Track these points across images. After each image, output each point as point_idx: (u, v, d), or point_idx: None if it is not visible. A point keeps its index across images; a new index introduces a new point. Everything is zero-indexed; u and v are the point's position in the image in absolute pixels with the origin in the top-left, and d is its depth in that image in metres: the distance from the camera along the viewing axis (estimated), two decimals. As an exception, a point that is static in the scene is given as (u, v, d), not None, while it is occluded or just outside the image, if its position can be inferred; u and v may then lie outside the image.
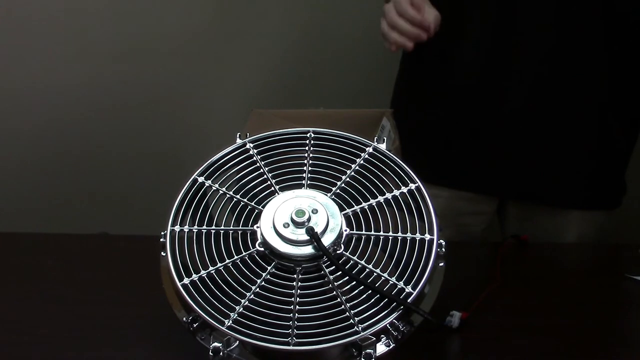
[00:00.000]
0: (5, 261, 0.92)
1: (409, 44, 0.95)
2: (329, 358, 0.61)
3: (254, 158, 0.68)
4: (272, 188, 0.67)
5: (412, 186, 0.66)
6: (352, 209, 0.65)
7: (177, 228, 0.65)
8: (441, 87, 1.08)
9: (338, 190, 0.66)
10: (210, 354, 0.61)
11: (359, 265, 0.62)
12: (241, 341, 0.60)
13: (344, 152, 0.68)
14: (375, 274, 0.62)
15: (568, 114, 1.05)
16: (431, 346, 0.70)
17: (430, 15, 0.94)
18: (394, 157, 0.68)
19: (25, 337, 0.73)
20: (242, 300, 0.60)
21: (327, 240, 0.62)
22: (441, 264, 0.64)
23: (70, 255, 0.95)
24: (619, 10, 1.00)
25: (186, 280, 0.62)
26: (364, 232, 0.64)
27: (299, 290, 0.61)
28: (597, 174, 1.10)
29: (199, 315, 0.60)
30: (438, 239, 0.63)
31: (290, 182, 0.67)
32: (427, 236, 0.63)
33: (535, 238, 1.05)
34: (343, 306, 0.60)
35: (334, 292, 0.61)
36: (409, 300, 0.60)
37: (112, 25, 1.52)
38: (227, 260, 0.63)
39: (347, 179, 0.67)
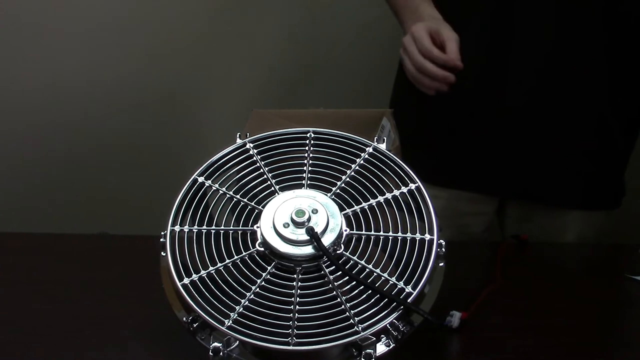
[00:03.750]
0: (4, 261, 0.92)
1: (444, 88, 0.93)
2: (329, 358, 0.61)
3: (254, 158, 0.68)
4: (272, 188, 0.67)
5: (412, 186, 0.66)
6: (352, 209, 0.65)
7: (177, 228, 0.65)
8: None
9: (338, 190, 0.66)
10: (210, 354, 0.60)
11: (359, 265, 0.62)
12: (241, 341, 0.60)
13: (344, 152, 0.68)
14: (375, 274, 0.62)
15: (568, 115, 1.05)
16: (431, 346, 0.70)
17: (452, 44, 0.91)
18: (394, 157, 0.67)
19: (25, 337, 0.73)
20: (242, 300, 0.60)
21: (327, 240, 0.62)
22: (441, 264, 0.64)
23: (70, 255, 0.95)
24: (620, 11, 1.00)
25: (186, 280, 0.62)
26: (364, 232, 0.64)
27: (299, 290, 0.61)
28: (597, 174, 1.10)
29: (199, 315, 0.60)
30: (438, 239, 0.63)
31: (290, 182, 0.67)
32: (427, 236, 0.63)
33: (535, 238, 1.05)
34: (343, 306, 0.60)
35: (334, 292, 0.61)
36: (409, 300, 0.60)
37: (112, 25, 1.52)
38: (227, 260, 0.63)
39: (347, 179, 0.67)
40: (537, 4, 1.01)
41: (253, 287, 0.61)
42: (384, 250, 0.63)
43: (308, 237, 0.62)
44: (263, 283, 0.61)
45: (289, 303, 0.60)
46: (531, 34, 1.02)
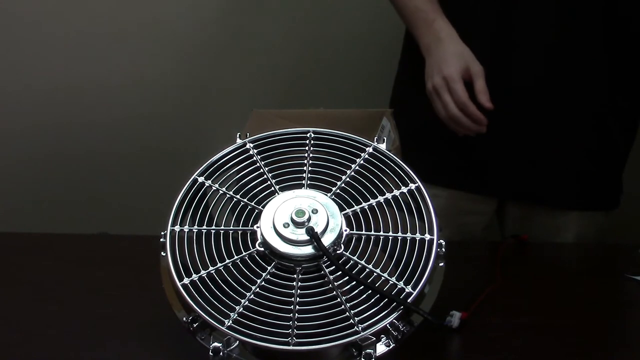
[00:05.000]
0: (4, 261, 0.92)
1: (483, 130, 0.98)
2: (329, 358, 0.61)
3: (254, 158, 0.68)
4: (272, 188, 0.67)
5: (412, 186, 0.66)
6: (352, 209, 0.65)
7: (177, 228, 0.65)
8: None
9: (338, 190, 0.66)
10: (210, 354, 0.61)
11: (359, 265, 0.62)
12: (241, 341, 0.60)
13: (344, 152, 0.68)
14: (375, 274, 0.62)
15: (567, 115, 1.05)
16: (431, 346, 0.70)
17: (480, 81, 0.95)
18: (394, 157, 0.68)
19: (25, 337, 0.72)
20: (242, 300, 0.60)
21: (327, 240, 0.62)
22: (441, 264, 0.64)
23: (70, 255, 0.95)
24: (620, 13, 1.01)
25: (186, 280, 0.62)
26: (364, 232, 0.64)
27: (299, 290, 0.61)
28: (596, 174, 1.10)
29: (199, 315, 0.60)
30: (438, 239, 0.63)
31: (290, 182, 0.67)
32: (427, 236, 0.63)
33: (535, 238, 1.05)
34: (343, 306, 0.60)
35: (334, 292, 0.61)
36: (409, 300, 0.60)
37: (112, 25, 1.52)
38: (227, 260, 0.63)
39: (347, 179, 0.67)
40: (538, 9, 1.01)
41: (253, 287, 0.61)
42: (384, 250, 0.63)
43: (308, 237, 0.62)
44: (263, 283, 0.61)
45: (289, 303, 0.60)
46: (532, 38, 1.02)
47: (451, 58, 0.97)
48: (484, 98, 0.95)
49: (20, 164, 1.57)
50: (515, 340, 0.73)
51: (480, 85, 0.95)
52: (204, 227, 0.65)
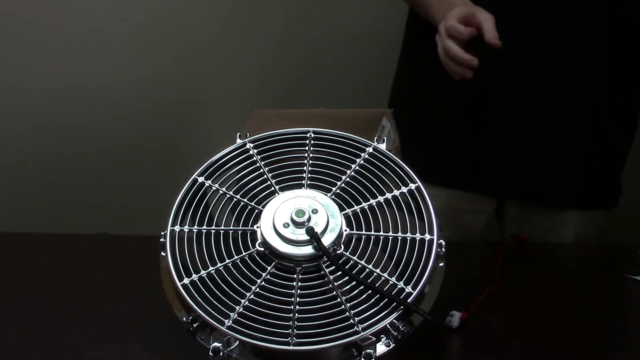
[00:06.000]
0: (5, 261, 0.92)
1: (468, 75, 0.93)
2: (329, 358, 0.61)
3: (254, 158, 0.68)
4: (272, 188, 0.67)
5: (412, 186, 0.66)
6: (352, 209, 0.65)
7: (177, 228, 0.65)
8: (440, 87, 1.08)
9: (338, 190, 0.66)
10: (210, 354, 0.61)
11: (359, 265, 0.62)
12: (241, 341, 0.60)
13: (344, 152, 0.68)
14: (375, 274, 0.62)
15: (567, 115, 1.05)
16: (431, 346, 0.70)
17: (488, 24, 0.91)
18: (394, 157, 0.68)
19: (25, 337, 0.72)
20: (242, 300, 0.60)
21: (327, 240, 0.62)
22: (441, 264, 0.64)
23: (70, 255, 0.95)
24: (620, 12, 1.01)
25: (186, 280, 0.62)
26: (364, 232, 0.64)
27: (299, 290, 0.61)
28: (595, 174, 1.10)
29: (199, 315, 0.60)
30: (438, 239, 0.63)
31: (290, 182, 0.67)
32: (427, 236, 0.63)
33: (533, 237, 1.05)
34: (343, 306, 0.60)
35: (334, 292, 0.61)
36: (409, 300, 0.60)
37: (112, 25, 1.52)
38: (227, 260, 0.63)
39: (347, 179, 0.67)
40: (538, 9, 1.01)
41: (253, 287, 0.61)
42: (384, 250, 0.63)
43: (308, 237, 0.62)
44: (263, 283, 0.61)
45: (289, 303, 0.60)
46: (531, 38, 1.02)
47: (457, 7, 0.95)
48: (489, 36, 0.90)
49: (20, 164, 1.57)
50: (515, 340, 0.73)
51: (487, 27, 0.91)
52: (204, 227, 0.65)
